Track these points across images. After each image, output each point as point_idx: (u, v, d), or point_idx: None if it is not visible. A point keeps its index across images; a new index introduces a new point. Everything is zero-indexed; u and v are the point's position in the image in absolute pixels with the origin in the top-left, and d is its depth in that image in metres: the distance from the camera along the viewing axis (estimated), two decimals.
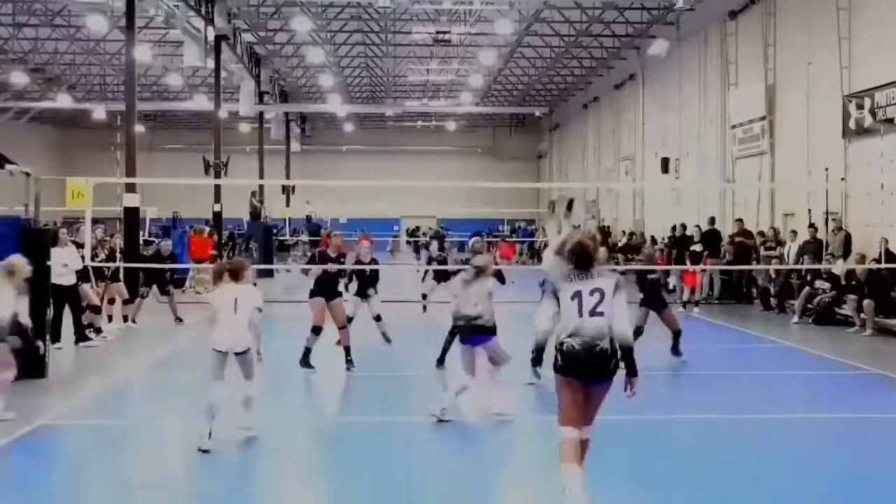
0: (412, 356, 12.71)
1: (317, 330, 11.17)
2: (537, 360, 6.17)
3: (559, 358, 5.65)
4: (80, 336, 13.08)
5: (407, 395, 10.09)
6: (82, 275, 13.36)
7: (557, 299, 5.72)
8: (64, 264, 12.50)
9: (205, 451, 7.35)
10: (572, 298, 5.66)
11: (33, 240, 11.04)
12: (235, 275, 7.92)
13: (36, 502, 6.42)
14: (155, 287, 16.26)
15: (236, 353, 7.72)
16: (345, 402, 10.27)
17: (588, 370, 5.61)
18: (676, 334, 11.87)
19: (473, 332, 8.68)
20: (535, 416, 9.06)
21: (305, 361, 11.16)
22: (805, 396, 10.20)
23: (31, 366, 10.52)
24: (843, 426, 8.71)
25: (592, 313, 5.62)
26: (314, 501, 6.66)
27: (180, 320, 16.07)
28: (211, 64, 28.89)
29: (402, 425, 8.53)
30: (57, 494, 6.71)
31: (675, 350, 11.88)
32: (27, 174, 12.09)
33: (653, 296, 11.97)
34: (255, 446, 7.79)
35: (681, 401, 8.94)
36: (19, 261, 9.02)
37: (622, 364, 5.71)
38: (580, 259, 5.78)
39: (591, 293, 5.66)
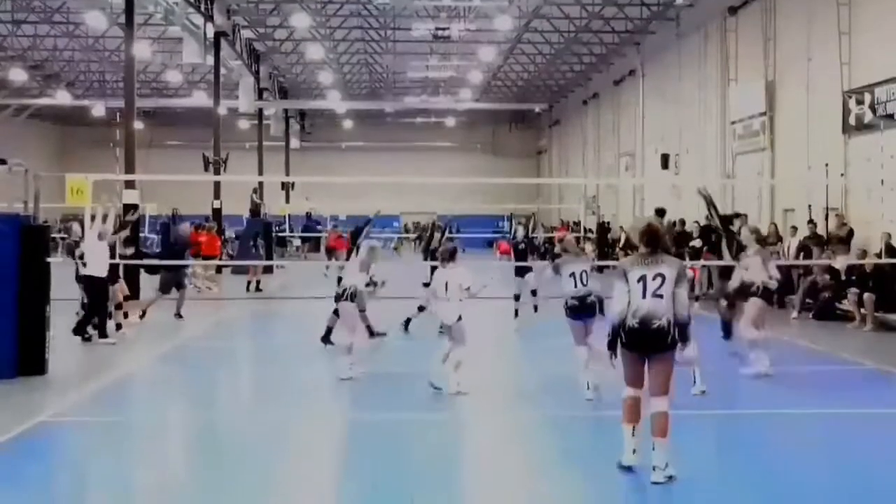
0: (416, 353, 12.73)
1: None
2: (613, 342, 6.56)
3: (623, 335, 6.41)
4: (101, 332, 13.06)
5: (409, 392, 10.07)
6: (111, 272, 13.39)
7: (626, 281, 6.44)
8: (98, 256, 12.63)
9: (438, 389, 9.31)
10: (638, 281, 6.40)
11: (33, 237, 11.03)
12: (450, 258, 9.60)
13: (36, 499, 6.42)
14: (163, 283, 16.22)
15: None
16: (347, 400, 10.25)
17: (646, 344, 6.38)
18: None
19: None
20: (543, 413, 9.07)
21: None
22: (805, 392, 10.18)
23: (31, 362, 10.54)
24: (844, 421, 8.70)
25: (654, 295, 6.35)
26: (315, 500, 6.66)
27: (180, 317, 16.04)
28: (210, 60, 28.90)
29: (403, 423, 8.53)
30: (57, 492, 6.70)
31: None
32: (23, 168, 12.06)
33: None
34: (256, 445, 7.79)
35: (679, 397, 8.92)
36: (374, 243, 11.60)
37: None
38: (650, 240, 6.49)
39: (654, 278, 6.38)
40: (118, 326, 13.87)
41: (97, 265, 12.74)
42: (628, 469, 6.44)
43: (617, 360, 6.55)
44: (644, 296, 6.35)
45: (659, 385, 6.41)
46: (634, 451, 6.46)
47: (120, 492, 6.62)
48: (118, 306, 14.04)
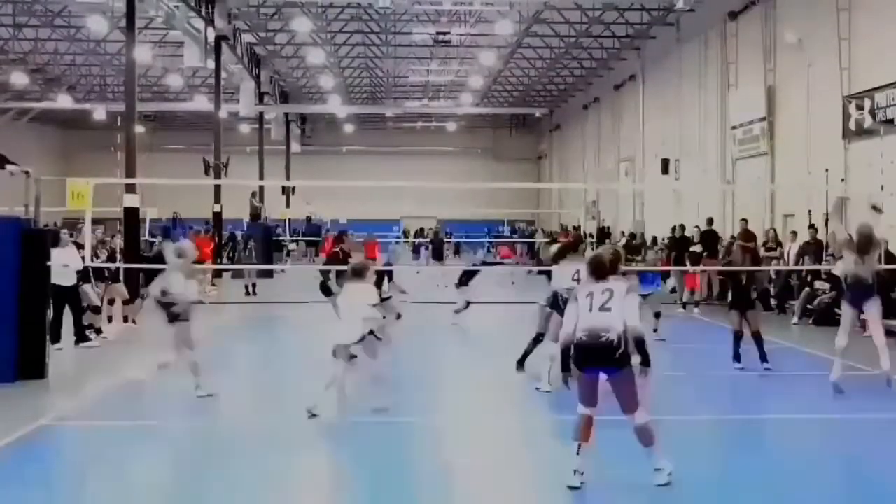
0: (417, 357, 12.73)
1: None
2: (565, 363, 6.42)
3: (573, 351, 6.32)
4: (81, 336, 13.08)
5: (407, 395, 10.08)
6: (83, 275, 13.36)
7: (577, 303, 6.41)
8: (64, 265, 12.50)
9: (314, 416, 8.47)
10: (586, 297, 6.40)
11: (33, 240, 11.04)
12: (359, 274, 9.00)
13: (36, 502, 6.43)
14: None
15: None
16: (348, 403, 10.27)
17: (593, 358, 6.24)
18: (756, 337, 11.33)
19: None
20: (543, 417, 9.07)
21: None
22: (805, 397, 10.19)
23: (31, 366, 10.55)
24: (844, 427, 8.71)
25: (602, 308, 6.28)
26: (315, 501, 6.66)
27: None
28: (211, 64, 28.91)
29: (402, 425, 8.54)
30: (57, 495, 6.70)
31: (762, 356, 11.28)
32: (27, 173, 12.09)
33: (740, 296, 11.61)
34: (253, 447, 7.80)
35: (681, 401, 8.95)
36: (187, 245, 10.35)
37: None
38: (596, 270, 6.55)
39: (602, 292, 6.36)
40: (98, 331, 13.83)
41: (61, 275, 12.40)
42: (573, 488, 6.28)
43: (572, 381, 6.42)
44: (591, 309, 6.30)
45: (626, 404, 6.32)
46: (575, 471, 6.29)
47: (121, 495, 6.63)
48: (94, 309, 13.99)
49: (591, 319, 6.26)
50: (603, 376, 6.37)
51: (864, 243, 10.07)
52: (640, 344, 6.30)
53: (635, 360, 6.36)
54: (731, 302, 11.78)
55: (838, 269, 12.84)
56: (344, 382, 8.74)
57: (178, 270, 9.82)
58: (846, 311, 10.32)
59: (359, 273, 9.10)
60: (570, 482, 6.30)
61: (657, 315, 13.69)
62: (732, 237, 21.29)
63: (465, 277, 16.22)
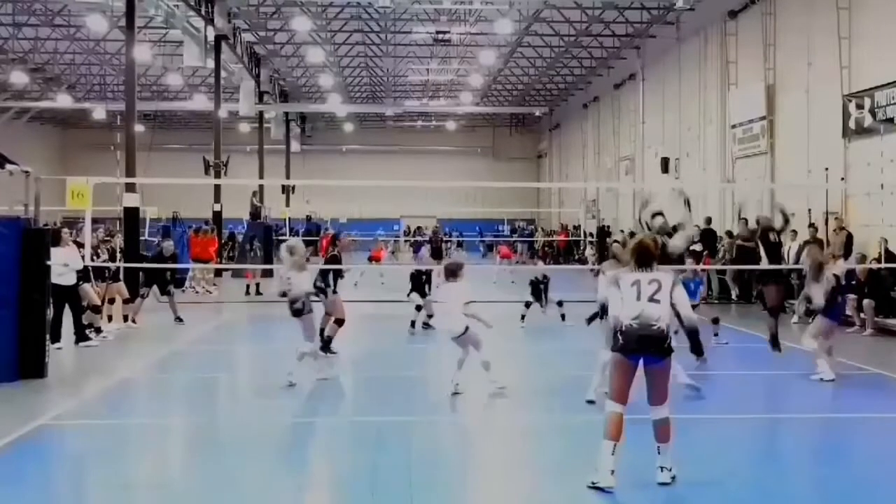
0: (410, 356, 12.74)
1: (342, 322, 12.11)
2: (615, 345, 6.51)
3: (620, 338, 6.25)
4: (80, 336, 13.08)
5: (405, 394, 10.08)
6: (83, 274, 13.37)
7: (619, 287, 6.35)
8: (64, 264, 12.51)
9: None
10: (632, 285, 6.28)
11: (33, 240, 11.04)
12: (453, 274, 9.61)
13: (36, 502, 6.43)
14: (155, 287, 16.27)
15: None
16: (349, 402, 10.27)
17: (643, 346, 6.20)
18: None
19: None
20: (549, 415, 9.07)
21: (328, 349, 11.97)
22: (805, 396, 10.19)
23: (31, 366, 10.56)
24: (843, 426, 8.71)
25: (650, 299, 6.22)
26: (314, 501, 6.66)
27: (180, 320, 16.07)
28: (211, 64, 28.92)
29: (400, 424, 8.53)
30: (57, 494, 6.71)
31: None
32: (26, 172, 12.09)
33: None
34: (254, 447, 7.80)
35: (681, 401, 8.93)
36: (298, 242, 10.98)
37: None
38: (641, 256, 6.39)
39: (650, 283, 6.28)
40: (98, 330, 13.86)
41: (61, 275, 12.50)
42: (604, 490, 6.13)
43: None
44: (639, 298, 6.22)
45: (658, 394, 6.32)
46: (613, 471, 6.15)
47: (120, 495, 6.62)
48: (95, 309, 14.03)
49: (639, 308, 6.20)
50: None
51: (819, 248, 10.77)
52: (695, 334, 6.47)
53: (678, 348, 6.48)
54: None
55: (837, 268, 12.50)
56: (463, 361, 9.61)
57: (292, 267, 10.26)
58: (826, 323, 10.74)
59: (453, 273, 9.67)
60: (608, 483, 6.14)
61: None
62: (729, 232, 21.31)
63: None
